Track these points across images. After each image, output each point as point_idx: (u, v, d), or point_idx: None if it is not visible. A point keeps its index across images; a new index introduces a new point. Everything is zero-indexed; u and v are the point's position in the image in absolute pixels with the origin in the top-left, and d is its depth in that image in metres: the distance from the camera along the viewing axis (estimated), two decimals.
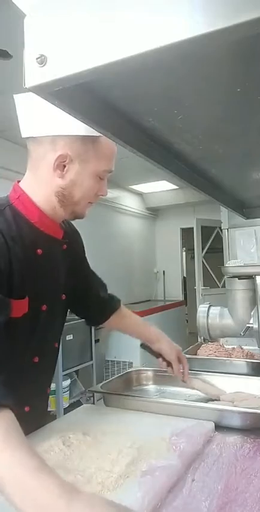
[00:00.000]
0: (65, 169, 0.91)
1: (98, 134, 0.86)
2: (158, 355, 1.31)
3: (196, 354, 1.78)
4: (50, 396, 3.64)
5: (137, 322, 1.37)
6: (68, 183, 0.92)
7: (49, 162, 0.92)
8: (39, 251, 0.96)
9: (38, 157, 0.93)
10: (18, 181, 0.99)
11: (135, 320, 1.37)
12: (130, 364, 4.83)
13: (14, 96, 0.95)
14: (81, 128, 0.86)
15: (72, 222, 1.16)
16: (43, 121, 0.90)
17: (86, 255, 1.24)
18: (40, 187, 0.95)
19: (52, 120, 0.89)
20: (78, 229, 1.21)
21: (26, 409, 0.96)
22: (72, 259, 1.13)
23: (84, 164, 0.91)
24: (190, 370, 1.63)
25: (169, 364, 1.30)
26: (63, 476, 0.80)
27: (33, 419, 0.98)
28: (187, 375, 1.31)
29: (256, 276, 1.48)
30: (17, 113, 0.95)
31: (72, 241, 1.13)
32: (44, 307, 0.98)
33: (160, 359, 1.31)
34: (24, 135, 0.95)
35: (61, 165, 0.91)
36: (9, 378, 0.80)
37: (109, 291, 1.32)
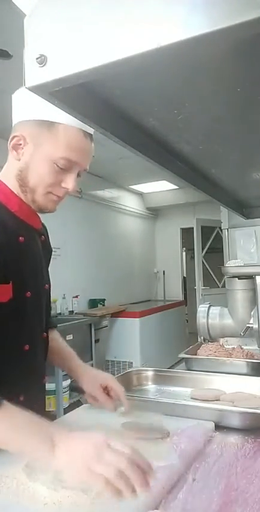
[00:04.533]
0: (21, 151, 0.94)
1: (55, 120, 0.89)
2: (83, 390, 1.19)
3: (196, 354, 1.77)
4: (50, 396, 3.58)
5: (62, 350, 1.25)
6: (23, 165, 0.94)
7: (10, 146, 0.96)
8: (21, 239, 0.98)
9: (8, 146, 0.97)
10: None
11: (61, 346, 1.25)
12: (130, 364, 4.82)
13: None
14: (36, 112, 0.90)
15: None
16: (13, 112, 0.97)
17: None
18: (8, 173, 0.99)
19: (14, 109, 0.96)
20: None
21: (21, 398, 0.96)
22: (48, 252, 1.17)
23: (37, 147, 0.92)
24: (190, 370, 1.64)
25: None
26: None
27: (29, 408, 0.97)
28: (126, 404, 1.14)
29: (256, 276, 1.48)
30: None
31: (47, 237, 1.16)
32: (28, 294, 1.00)
33: (86, 394, 1.20)
34: None
35: (16, 146, 0.94)
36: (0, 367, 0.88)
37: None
